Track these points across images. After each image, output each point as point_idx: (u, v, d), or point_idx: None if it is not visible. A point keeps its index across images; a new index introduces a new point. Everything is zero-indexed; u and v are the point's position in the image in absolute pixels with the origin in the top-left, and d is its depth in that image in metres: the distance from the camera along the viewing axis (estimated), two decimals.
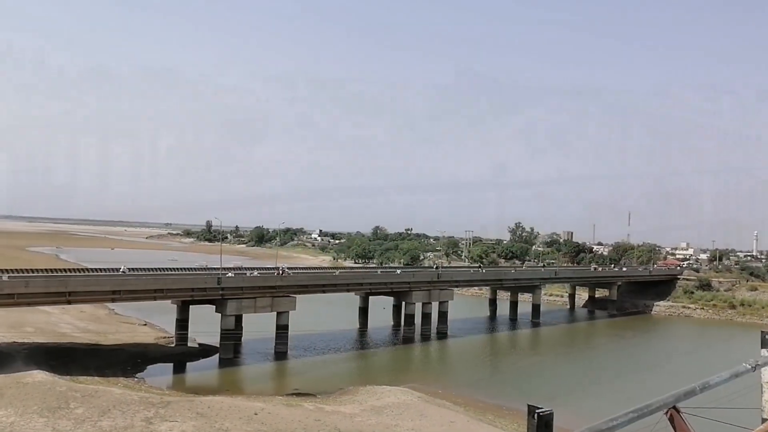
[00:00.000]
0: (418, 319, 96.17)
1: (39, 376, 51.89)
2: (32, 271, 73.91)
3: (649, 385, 62.54)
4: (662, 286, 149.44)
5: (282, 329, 77.06)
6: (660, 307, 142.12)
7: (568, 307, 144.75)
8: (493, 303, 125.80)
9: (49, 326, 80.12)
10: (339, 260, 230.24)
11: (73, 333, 77.37)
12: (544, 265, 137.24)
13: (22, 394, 45.82)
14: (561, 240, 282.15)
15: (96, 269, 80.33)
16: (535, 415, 5.22)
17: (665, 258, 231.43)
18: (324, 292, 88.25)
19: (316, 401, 53.59)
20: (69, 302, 64.97)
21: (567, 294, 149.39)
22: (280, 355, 75.16)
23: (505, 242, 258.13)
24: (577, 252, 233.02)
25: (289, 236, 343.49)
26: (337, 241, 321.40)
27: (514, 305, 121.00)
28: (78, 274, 74.02)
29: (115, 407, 44.37)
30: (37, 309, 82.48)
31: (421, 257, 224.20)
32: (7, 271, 69.33)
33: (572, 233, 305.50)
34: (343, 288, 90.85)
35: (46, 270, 78.32)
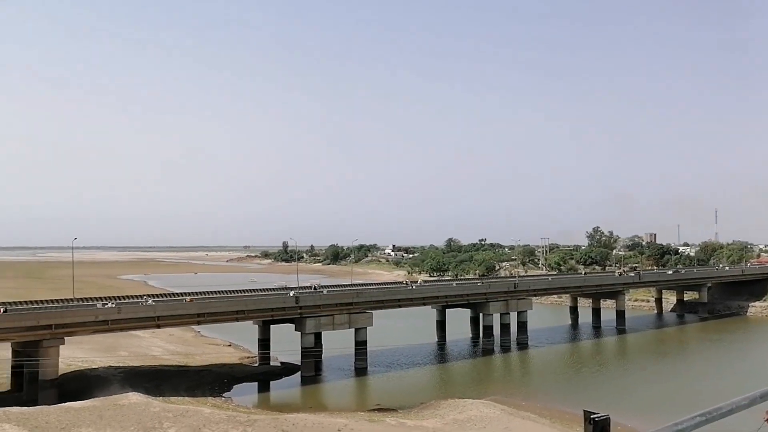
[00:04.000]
0: (496, 330, 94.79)
1: (134, 397, 54.38)
2: (123, 298, 77.79)
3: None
4: (757, 285, 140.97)
5: (361, 345, 77.67)
6: (756, 308, 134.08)
7: (655, 311, 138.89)
8: (574, 311, 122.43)
9: (142, 350, 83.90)
10: (413, 274, 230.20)
11: (163, 355, 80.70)
12: (623, 271, 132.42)
13: (120, 416, 48.11)
14: (643, 243, 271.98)
15: (180, 294, 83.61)
16: (591, 420, 5.12)
17: (758, 256, 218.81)
18: (400, 306, 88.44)
19: (398, 416, 53.62)
20: (158, 326, 67.96)
21: (653, 298, 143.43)
22: (360, 371, 75.72)
23: (583, 248, 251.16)
24: (662, 254, 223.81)
25: (363, 252, 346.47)
26: (410, 256, 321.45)
27: (596, 312, 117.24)
28: (165, 299, 77.36)
29: (205, 426, 45.90)
30: (130, 333, 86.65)
31: (497, 267, 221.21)
32: (102, 299, 73.43)
33: (655, 235, 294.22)
34: (419, 302, 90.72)
35: (136, 296, 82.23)
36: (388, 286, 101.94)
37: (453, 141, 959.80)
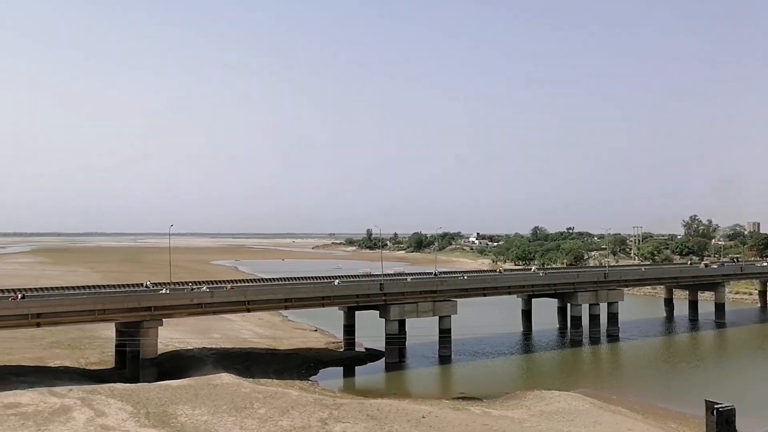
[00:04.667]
0: (585, 321, 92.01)
1: (226, 378, 56.60)
2: (216, 282, 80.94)
3: None
4: None
5: (444, 333, 77.42)
6: None
7: (759, 305, 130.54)
8: (669, 303, 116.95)
9: (233, 333, 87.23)
10: (498, 263, 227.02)
11: (252, 339, 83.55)
12: (722, 262, 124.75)
13: (213, 395, 50.20)
14: (745, 232, 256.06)
15: (270, 279, 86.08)
16: (714, 410, 4.64)
17: None
18: (485, 295, 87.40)
19: (483, 405, 53.08)
20: (248, 310, 70.27)
21: (756, 291, 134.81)
22: (444, 358, 75.55)
23: (679, 237, 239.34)
24: (766, 245, 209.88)
25: (447, 240, 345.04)
26: (495, 244, 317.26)
27: (693, 305, 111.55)
28: (255, 284, 79.95)
29: (293, 408, 47.13)
30: (222, 317, 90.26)
31: (585, 257, 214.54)
32: (196, 283, 76.69)
33: (759, 224, 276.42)
34: (504, 290, 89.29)
35: (227, 281, 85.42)
36: (473, 274, 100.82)
37: (543, 129, 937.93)
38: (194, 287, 70.68)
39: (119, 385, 52.40)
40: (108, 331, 73.46)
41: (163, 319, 61.75)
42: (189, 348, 72.08)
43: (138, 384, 53.98)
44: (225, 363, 64.48)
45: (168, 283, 74.91)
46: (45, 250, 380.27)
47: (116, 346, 64.71)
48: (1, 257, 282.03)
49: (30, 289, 71.52)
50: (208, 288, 70.54)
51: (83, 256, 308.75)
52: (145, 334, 59.28)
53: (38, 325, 57.14)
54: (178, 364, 64.32)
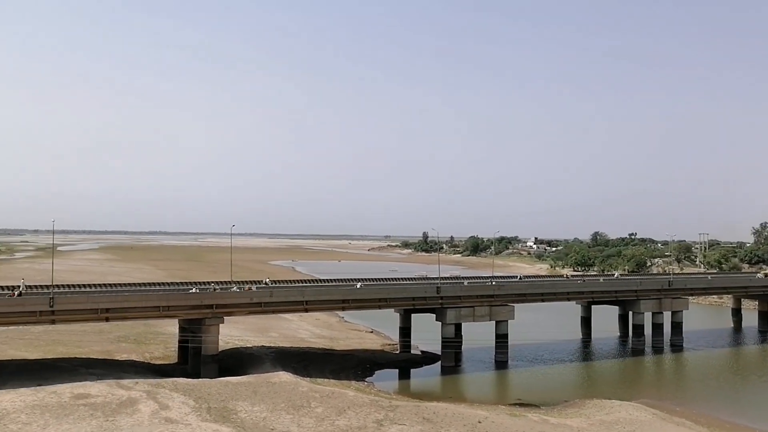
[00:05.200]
0: (647, 330, 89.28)
1: (284, 376, 57.55)
2: (275, 282, 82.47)
3: None
4: None
5: (501, 338, 76.60)
6: None
7: None
8: (737, 313, 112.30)
9: (290, 332, 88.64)
10: (557, 268, 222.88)
11: (309, 338, 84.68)
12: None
13: (272, 393, 51.13)
14: None
15: (327, 280, 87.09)
16: None
17: None
18: (543, 300, 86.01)
19: (540, 413, 52.21)
20: (306, 310, 71.32)
21: None
22: (501, 364, 74.74)
23: (748, 245, 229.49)
24: None
25: (504, 245, 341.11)
26: (553, 249, 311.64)
27: (764, 315, 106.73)
28: (313, 284, 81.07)
29: (349, 408, 47.53)
30: (279, 316, 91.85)
31: (648, 264, 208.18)
32: (256, 282, 78.30)
33: None
34: (563, 296, 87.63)
35: (285, 281, 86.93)
36: (531, 279, 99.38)
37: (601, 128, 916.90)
38: (262, 284, 72.06)
39: (182, 380, 54.00)
40: (171, 328, 75.84)
41: (224, 317, 63.26)
42: (248, 346, 73.63)
43: (200, 379, 55.49)
44: (283, 361, 65.55)
45: (229, 282, 76.74)
46: (112, 248, 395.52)
47: (179, 342, 66.71)
48: (71, 254, 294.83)
49: (98, 284, 74.60)
50: (267, 286, 71.90)
51: (147, 254, 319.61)
52: (206, 331, 60.88)
53: (107, 319, 59.51)
54: (237, 362, 65.79)
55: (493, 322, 77.13)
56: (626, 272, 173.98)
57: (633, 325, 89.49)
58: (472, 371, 72.67)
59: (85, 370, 56.49)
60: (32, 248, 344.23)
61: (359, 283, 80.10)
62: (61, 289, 64.39)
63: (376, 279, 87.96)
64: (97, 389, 48.55)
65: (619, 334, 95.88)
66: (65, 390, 47.76)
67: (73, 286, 70.88)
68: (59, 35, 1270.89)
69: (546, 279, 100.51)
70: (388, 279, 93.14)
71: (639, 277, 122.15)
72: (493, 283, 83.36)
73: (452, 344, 73.73)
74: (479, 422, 45.49)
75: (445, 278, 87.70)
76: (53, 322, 57.38)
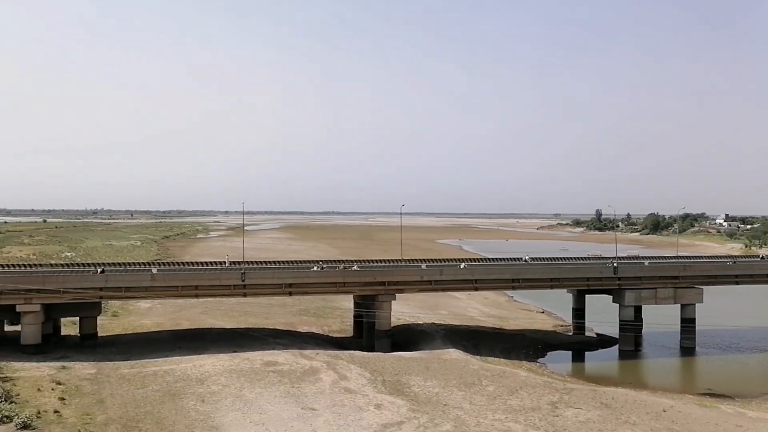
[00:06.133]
0: None
1: (455, 354, 58.09)
2: (444, 260, 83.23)
3: None
4: None
5: (687, 323, 70.95)
6: None
7: None
8: None
9: (459, 310, 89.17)
10: (753, 248, 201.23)
11: (479, 317, 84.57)
12: None
13: (443, 369, 51.87)
14: None
15: (496, 259, 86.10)
16: None
17: None
18: (737, 283, 77.92)
19: (735, 405, 47.62)
20: (476, 289, 71.15)
21: None
22: (687, 350, 69.30)
23: None
24: None
25: (689, 222, 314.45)
26: (748, 227, 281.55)
27: None
28: (482, 263, 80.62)
29: (521, 388, 46.83)
30: (448, 294, 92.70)
31: None
32: (425, 260, 79.60)
33: None
34: (763, 279, 78.64)
35: (454, 260, 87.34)
36: (723, 259, 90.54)
37: None
38: (427, 265, 73.24)
39: (358, 353, 56.63)
40: (347, 303, 79.63)
41: (396, 294, 65.09)
42: (419, 323, 75.25)
43: (374, 353, 57.81)
44: (453, 339, 66.17)
45: (399, 260, 78.78)
46: (291, 228, 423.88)
47: (354, 316, 69.88)
48: (256, 233, 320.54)
49: (281, 261, 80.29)
50: (436, 266, 72.73)
51: (323, 233, 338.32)
52: (379, 307, 63.08)
53: (290, 293, 63.94)
54: (409, 337, 67.55)
55: (678, 305, 71.58)
56: None
57: None
58: (654, 356, 68.17)
59: (272, 340, 61.28)
60: (224, 228, 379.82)
61: (526, 256, 78.34)
62: (251, 265, 70.07)
63: (546, 258, 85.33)
64: (284, 358, 52.47)
65: None
66: (256, 357, 52.21)
67: (261, 262, 76.96)
68: None
69: (742, 259, 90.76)
70: (559, 258, 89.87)
71: None
72: (680, 263, 77.12)
73: (631, 327, 69.61)
74: (664, 411, 42.61)
75: (623, 258, 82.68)
76: (245, 295, 62.84)
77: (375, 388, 45.43)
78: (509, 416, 40.10)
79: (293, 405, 40.66)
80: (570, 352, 70.54)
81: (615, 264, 72.36)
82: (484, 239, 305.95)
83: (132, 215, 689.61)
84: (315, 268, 66.66)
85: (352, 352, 57.24)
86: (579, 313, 77.67)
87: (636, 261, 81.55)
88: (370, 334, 64.31)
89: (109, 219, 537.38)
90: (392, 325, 65.47)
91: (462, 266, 69.62)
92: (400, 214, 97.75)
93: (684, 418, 41.21)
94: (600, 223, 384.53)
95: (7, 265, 71.97)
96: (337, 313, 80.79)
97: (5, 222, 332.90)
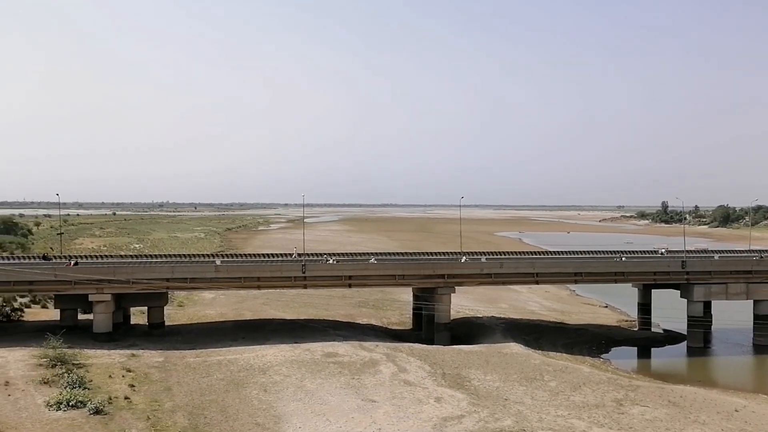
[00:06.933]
0: None
1: (515, 348, 57.31)
2: (504, 253, 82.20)
3: None
4: None
5: (762, 319, 67.78)
6: None
7: None
8: None
9: (520, 303, 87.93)
10: None
11: (540, 311, 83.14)
12: None
13: (504, 363, 51.25)
14: None
15: (558, 252, 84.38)
16: None
17: None
18: None
19: None
20: (537, 282, 69.95)
21: None
22: (761, 348, 66.19)
23: None
24: None
25: (761, 215, 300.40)
26: None
27: None
28: (543, 256, 79.21)
29: (585, 384, 45.79)
30: (508, 288, 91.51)
31: None
32: (484, 253, 78.81)
33: None
34: None
35: (514, 253, 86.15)
36: None
37: None
38: (486, 258, 72.49)
39: (417, 346, 56.58)
40: (405, 295, 79.75)
41: (455, 287, 64.65)
42: (479, 316, 74.60)
43: (433, 346, 57.64)
44: (513, 333, 65.28)
45: (458, 252, 78.22)
46: (349, 220, 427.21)
47: (413, 309, 69.86)
48: (315, 225, 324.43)
49: (341, 253, 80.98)
50: (493, 259, 71.85)
51: (381, 225, 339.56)
52: (439, 300, 62.81)
53: (350, 285, 64.41)
54: (468, 330, 67.07)
55: (751, 301, 68.49)
56: None
57: None
58: (725, 354, 65.46)
59: (332, 331, 61.94)
60: (284, 220, 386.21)
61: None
62: (311, 257, 70.95)
63: (608, 252, 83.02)
64: (344, 349, 52.93)
65: None
66: (317, 348, 52.86)
67: (319, 254, 77.83)
68: None
69: None
70: (623, 252, 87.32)
71: None
72: (759, 257, 73.58)
73: (700, 323, 67.04)
74: (736, 411, 40.89)
75: (691, 251, 79.66)
76: (305, 286, 63.71)
77: (435, 381, 45.30)
78: (572, 412, 39.27)
79: (353, 396, 40.98)
80: (635, 348, 68.59)
81: (683, 258, 69.74)
82: (545, 232, 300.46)
83: (196, 208, 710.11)
84: (372, 260, 66.94)
85: (411, 344, 57.25)
86: (645, 308, 75.35)
87: (705, 255, 78.44)
88: (429, 327, 64.18)
89: (174, 212, 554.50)
90: (451, 318, 65.07)
91: (521, 259, 68.54)
92: (460, 206, 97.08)
93: (758, 419, 39.42)
94: (666, 216, 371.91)
95: (80, 256, 75.22)
96: (396, 305, 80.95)
97: (78, 215, 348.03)
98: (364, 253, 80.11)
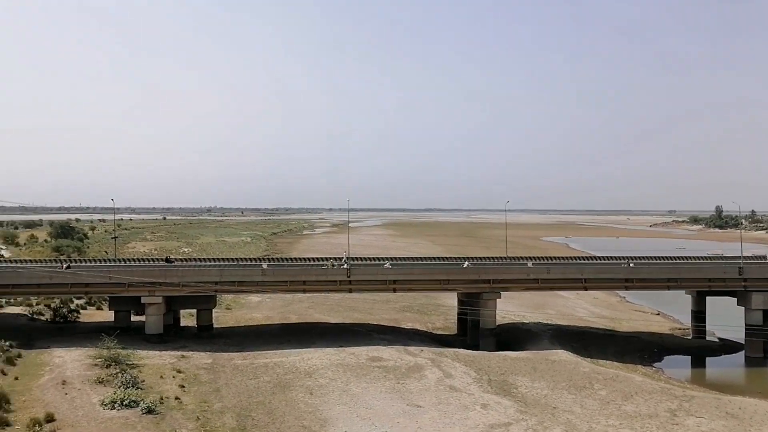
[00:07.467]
0: None
1: (563, 355, 56.17)
2: (550, 258, 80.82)
3: None
4: None
5: None
6: None
7: None
8: None
9: (567, 310, 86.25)
10: None
11: (588, 318, 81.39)
12: None
13: (551, 370, 50.27)
14: None
15: (607, 257, 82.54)
16: None
17: None
18: None
19: None
20: (585, 288, 68.50)
21: None
22: None
23: None
24: None
25: None
26: None
27: None
28: (592, 262, 77.59)
29: (637, 394, 44.52)
30: (555, 294, 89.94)
31: None
32: (531, 258, 77.65)
33: None
34: None
35: (562, 258, 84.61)
36: None
37: None
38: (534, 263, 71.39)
39: (462, 351, 56.01)
40: (450, 300, 79.13)
41: (501, 292, 63.83)
42: (525, 322, 73.46)
43: (479, 352, 56.97)
44: (560, 339, 64.05)
45: (504, 257, 77.30)
46: (393, 224, 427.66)
47: (458, 314, 69.26)
48: (359, 229, 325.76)
49: (385, 258, 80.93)
50: (542, 264, 70.70)
51: (424, 230, 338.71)
52: (484, 305, 62.09)
53: (394, 290, 64.32)
54: (514, 336, 66.09)
55: None
56: None
57: None
58: None
59: (377, 336, 61.90)
60: (328, 225, 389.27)
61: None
62: (356, 262, 71.13)
63: (661, 257, 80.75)
64: (389, 353, 52.80)
65: None
66: (362, 352, 52.88)
67: (364, 259, 77.99)
68: None
69: None
70: (677, 258, 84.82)
71: None
72: None
73: (759, 333, 64.49)
74: None
75: (749, 257, 76.79)
76: (350, 290, 63.92)
77: (480, 387, 44.75)
78: (624, 422, 38.20)
79: (398, 401, 40.80)
80: (689, 357, 66.41)
81: (740, 264, 67.29)
82: (592, 236, 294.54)
83: (242, 212, 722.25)
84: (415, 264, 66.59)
85: (456, 350, 56.71)
86: (699, 315, 72.94)
87: (764, 261, 75.56)
88: (474, 332, 63.49)
89: (221, 216, 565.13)
90: (497, 323, 64.27)
91: (569, 264, 67.24)
92: (505, 210, 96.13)
93: None
94: (720, 220, 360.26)
95: (133, 260, 77.26)
96: (441, 310, 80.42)
97: (130, 219, 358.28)
98: (407, 258, 79.95)
